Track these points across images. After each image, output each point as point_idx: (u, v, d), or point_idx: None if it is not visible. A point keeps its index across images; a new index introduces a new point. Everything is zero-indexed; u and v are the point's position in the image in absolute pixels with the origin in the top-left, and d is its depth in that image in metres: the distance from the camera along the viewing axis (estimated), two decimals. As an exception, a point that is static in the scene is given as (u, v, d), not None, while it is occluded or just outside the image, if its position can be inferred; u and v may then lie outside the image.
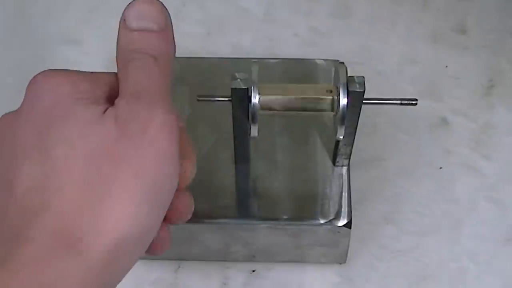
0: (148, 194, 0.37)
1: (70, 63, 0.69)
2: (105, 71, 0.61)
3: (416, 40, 0.70)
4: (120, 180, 0.37)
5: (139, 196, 0.37)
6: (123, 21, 0.42)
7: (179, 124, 0.40)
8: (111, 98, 0.40)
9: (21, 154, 0.38)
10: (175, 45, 0.41)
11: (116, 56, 0.42)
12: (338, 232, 0.57)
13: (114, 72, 0.42)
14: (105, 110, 0.39)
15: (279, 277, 0.61)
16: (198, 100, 0.53)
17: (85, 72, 0.41)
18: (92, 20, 0.72)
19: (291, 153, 0.59)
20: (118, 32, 0.42)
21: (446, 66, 0.69)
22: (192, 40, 0.70)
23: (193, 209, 0.44)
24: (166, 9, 0.41)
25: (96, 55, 0.70)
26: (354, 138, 0.55)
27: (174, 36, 0.41)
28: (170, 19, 0.41)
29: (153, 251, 0.43)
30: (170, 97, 0.40)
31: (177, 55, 0.66)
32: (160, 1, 0.41)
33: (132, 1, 0.41)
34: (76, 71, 0.41)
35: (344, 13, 0.72)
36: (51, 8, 0.73)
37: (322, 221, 0.56)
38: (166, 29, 0.41)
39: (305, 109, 0.52)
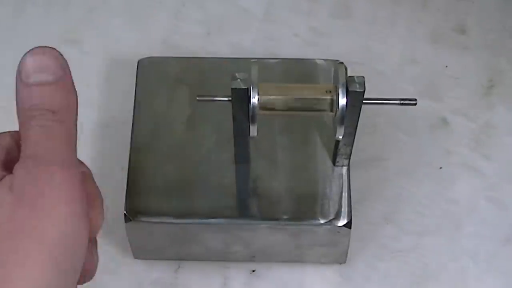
0: (55, 258, 0.36)
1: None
2: (104, 72, 0.62)
3: (416, 40, 0.70)
4: (23, 249, 0.36)
5: (45, 262, 0.36)
6: (18, 75, 0.39)
7: (84, 172, 0.39)
8: (11, 161, 0.39)
9: None
10: (76, 94, 0.39)
11: (17, 114, 0.39)
12: (338, 232, 0.57)
13: (15, 131, 0.40)
14: (1, 179, 0.37)
15: (279, 277, 0.61)
16: (198, 100, 0.53)
17: None
18: (92, 20, 0.72)
19: (291, 153, 0.59)
20: (16, 86, 0.39)
21: (446, 66, 0.69)
22: (192, 40, 0.70)
23: (97, 264, 0.43)
24: (62, 56, 0.39)
25: (96, 55, 0.70)
26: (354, 138, 0.55)
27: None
28: (68, 67, 0.39)
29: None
30: (73, 150, 0.39)
31: (177, 55, 0.67)
32: (54, 49, 0.39)
33: (26, 53, 0.39)
34: None
35: (344, 13, 0.72)
36: (51, 8, 0.73)
37: (322, 221, 0.56)
38: (64, 78, 0.39)
39: (305, 109, 0.52)
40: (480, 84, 0.68)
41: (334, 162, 0.58)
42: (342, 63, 0.56)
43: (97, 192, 0.41)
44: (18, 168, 0.38)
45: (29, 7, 0.73)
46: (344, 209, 0.57)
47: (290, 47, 0.70)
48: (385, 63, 0.69)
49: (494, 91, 0.68)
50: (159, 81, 0.62)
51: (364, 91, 0.50)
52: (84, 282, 0.41)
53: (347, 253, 0.59)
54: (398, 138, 0.66)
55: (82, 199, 0.38)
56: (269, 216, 0.57)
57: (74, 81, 0.39)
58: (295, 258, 0.60)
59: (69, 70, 0.39)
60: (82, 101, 0.68)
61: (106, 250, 0.61)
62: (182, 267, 0.61)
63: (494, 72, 0.68)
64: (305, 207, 0.57)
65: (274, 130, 0.60)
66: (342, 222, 0.56)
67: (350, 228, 0.56)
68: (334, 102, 0.51)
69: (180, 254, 0.61)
